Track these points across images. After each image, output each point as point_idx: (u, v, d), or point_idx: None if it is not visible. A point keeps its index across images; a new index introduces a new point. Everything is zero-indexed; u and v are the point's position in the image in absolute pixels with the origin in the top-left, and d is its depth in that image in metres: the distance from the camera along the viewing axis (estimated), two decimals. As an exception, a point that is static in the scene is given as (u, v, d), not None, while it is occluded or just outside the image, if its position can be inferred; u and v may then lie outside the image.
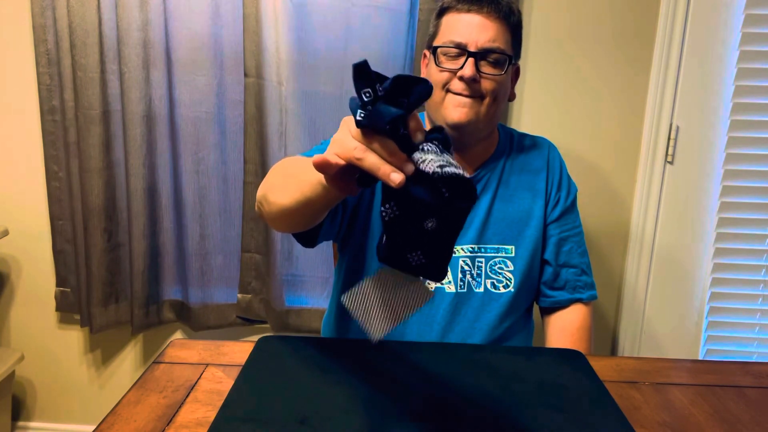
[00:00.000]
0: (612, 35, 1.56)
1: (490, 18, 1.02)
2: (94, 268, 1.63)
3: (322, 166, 0.59)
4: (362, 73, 0.54)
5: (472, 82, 1.01)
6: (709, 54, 1.53)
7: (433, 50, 1.06)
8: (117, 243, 1.66)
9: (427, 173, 0.54)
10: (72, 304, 1.73)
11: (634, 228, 1.65)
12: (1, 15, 1.60)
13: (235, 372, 0.84)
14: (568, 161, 1.20)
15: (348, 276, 1.12)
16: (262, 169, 1.59)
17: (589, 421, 0.74)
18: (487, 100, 1.03)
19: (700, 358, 1.65)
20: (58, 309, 1.74)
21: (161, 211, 1.65)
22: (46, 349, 1.80)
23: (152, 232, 1.65)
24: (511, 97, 1.12)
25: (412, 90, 0.55)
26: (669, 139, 1.58)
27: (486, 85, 1.02)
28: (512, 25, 1.05)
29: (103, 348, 1.81)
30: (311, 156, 0.73)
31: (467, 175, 0.54)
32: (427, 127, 0.82)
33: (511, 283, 1.08)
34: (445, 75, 1.03)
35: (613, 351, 1.74)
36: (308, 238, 0.98)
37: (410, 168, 0.55)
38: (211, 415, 0.74)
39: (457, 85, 1.01)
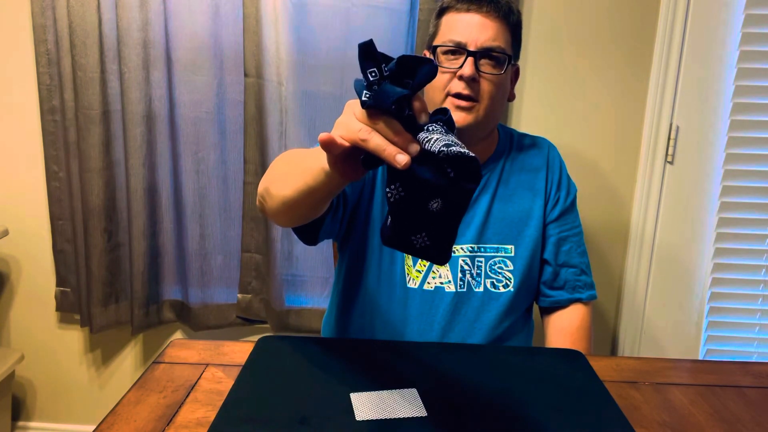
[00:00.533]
0: (612, 35, 1.56)
1: (489, 17, 1.02)
2: (94, 268, 1.63)
3: (328, 144, 0.58)
4: (368, 52, 0.54)
5: (471, 82, 1.01)
6: (709, 54, 1.53)
7: (433, 50, 1.06)
8: (117, 243, 1.66)
9: (433, 152, 0.54)
10: (72, 304, 1.73)
11: (634, 228, 1.65)
12: (1, 15, 1.60)
13: (235, 372, 0.84)
14: (567, 161, 1.20)
15: (348, 276, 1.12)
16: (262, 169, 1.59)
17: (589, 421, 0.74)
18: (486, 102, 1.03)
19: (700, 358, 1.65)
20: (58, 309, 1.74)
21: (161, 211, 1.65)
22: (46, 349, 1.80)
23: (152, 232, 1.65)
24: (511, 97, 1.12)
25: (417, 71, 0.55)
26: (669, 139, 1.58)
27: (485, 85, 1.02)
28: (512, 24, 1.05)
29: (103, 348, 1.81)
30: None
31: (473, 154, 0.54)
32: None
33: (510, 282, 1.08)
34: (446, 77, 1.03)
35: (613, 351, 1.74)
36: (310, 235, 0.98)
37: (415, 148, 0.55)
38: (211, 415, 0.74)
39: (456, 84, 1.02)
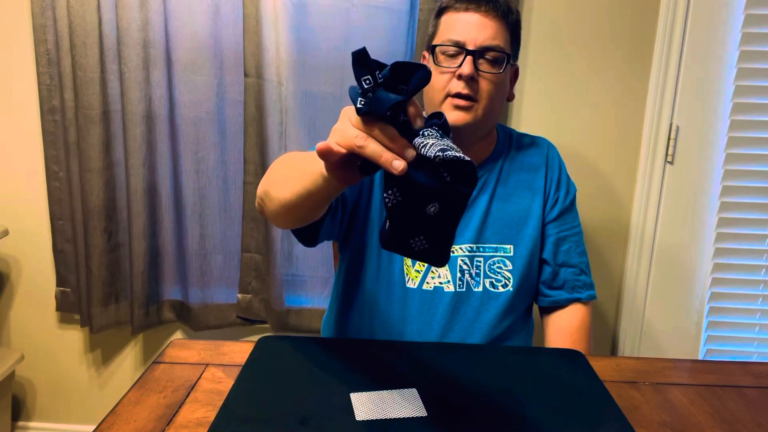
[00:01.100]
0: (612, 35, 1.56)
1: (488, 16, 1.02)
2: (94, 268, 1.63)
3: (325, 153, 0.60)
4: (362, 60, 0.55)
5: (470, 81, 1.01)
6: (709, 54, 1.53)
7: (432, 49, 1.06)
8: (117, 243, 1.66)
9: (429, 158, 0.55)
10: (72, 304, 1.73)
11: (634, 228, 1.65)
12: (1, 15, 1.60)
13: (235, 372, 0.84)
14: (567, 161, 1.20)
15: (347, 276, 1.12)
16: (262, 169, 1.59)
17: (589, 421, 0.74)
18: (485, 101, 1.03)
19: (700, 358, 1.65)
20: (58, 309, 1.74)
21: (161, 211, 1.65)
22: (46, 349, 1.80)
23: (152, 232, 1.65)
24: (510, 97, 1.12)
25: (411, 76, 0.56)
26: (669, 139, 1.58)
27: (484, 84, 1.02)
28: (511, 24, 1.05)
29: (103, 348, 1.81)
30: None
31: (468, 158, 0.55)
32: None
33: (510, 282, 1.08)
34: (445, 77, 1.03)
35: (613, 351, 1.74)
36: (309, 237, 0.98)
37: (411, 153, 0.56)
38: (211, 415, 0.74)
39: (456, 84, 1.02)
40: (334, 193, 0.73)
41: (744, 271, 1.62)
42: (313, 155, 0.69)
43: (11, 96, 1.65)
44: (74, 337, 1.80)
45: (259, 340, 0.92)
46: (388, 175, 0.56)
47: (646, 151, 1.60)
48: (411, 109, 0.57)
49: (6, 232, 1.62)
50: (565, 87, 1.59)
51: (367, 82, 0.55)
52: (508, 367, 0.87)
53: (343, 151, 0.58)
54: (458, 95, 1.02)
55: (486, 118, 1.05)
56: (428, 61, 1.09)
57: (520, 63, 1.16)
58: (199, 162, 1.63)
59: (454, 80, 1.02)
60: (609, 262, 1.69)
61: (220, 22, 1.55)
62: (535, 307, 1.20)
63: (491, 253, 1.08)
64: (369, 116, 0.56)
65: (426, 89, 1.09)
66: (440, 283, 1.06)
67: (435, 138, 0.57)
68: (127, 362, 1.82)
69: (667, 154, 1.59)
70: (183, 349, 0.92)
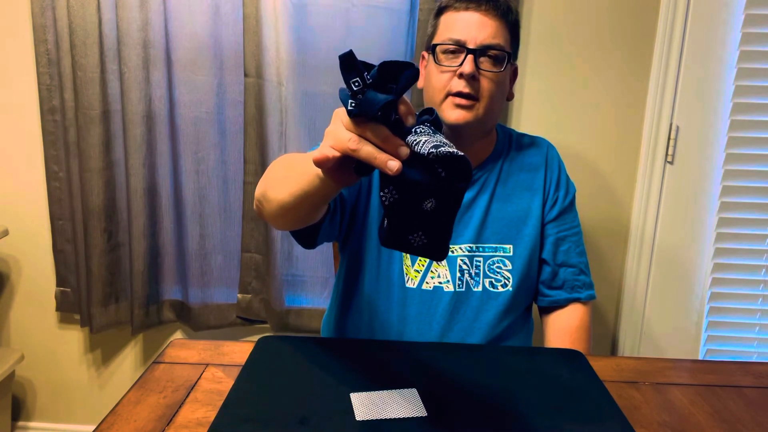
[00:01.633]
0: (612, 35, 1.56)
1: (488, 15, 1.02)
2: (94, 268, 1.63)
3: (322, 162, 0.60)
4: (349, 63, 0.55)
5: (471, 80, 1.01)
6: (709, 54, 1.53)
7: (432, 49, 1.06)
8: (117, 243, 1.66)
9: (423, 155, 0.55)
10: (72, 304, 1.73)
11: (634, 228, 1.65)
12: (1, 15, 1.60)
13: (235, 372, 0.84)
14: (567, 161, 1.20)
15: (347, 276, 1.12)
16: (262, 169, 1.59)
17: (589, 421, 0.74)
18: (486, 100, 1.03)
19: (700, 358, 1.65)
20: (58, 309, 1.74)
21: (161, 211, 1.65)
22: (46, 349, 1.80)
23: (152, 232, 1.65)
24: (510, 96, 1.13)
25: (400, 75, 0.56)
26: (669, 139, 1.58)
27: (485, 83, 1.02)
28: (510, 23, 1.06)
29: (103, 348, 1.81)
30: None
31: (461, 153, 0.55)
32: None
33: (509, 282, 1.08)
34: (446, 77, 1.03)
35: (613, 351, 1.74)
36: (308, 239, 0.98)
37: (405, 152, 0.56)
38: (211, 415, 0.74)
39: (457, 83, 1.02)
40: (331, 195, 0.73)
41: (744, 271, 1.62)
42: (310, 156, 0.70)
43: (11, 96, 1.65)
44: (74, 337, 1.80)
45: (259, 340, 0.92)
46: (384, 174, 0.57)
47: (646, 151, 1.60)
48: (402, 108, 0.57)
49: (6, 232, 1.62)
50: (565, 87, 1.59)
51: (356, 84, 0.55)
52: (507, 367, 0.87)
53: (338, 154, 0.59)
54: (459, 94, 1.02)
55: (487, 116, 1.05)
56: (428, 61, 1.09)
57: (520, 63, 1.16)
58: (199, 162, 1.63)
59: (455, 79, 1.02)
60: (609, 262, 1.69)
61: (220, 22, 1.55)
62: (535, 307, 1.20)
63: (491, 253, 1.08)
64: (360, 118, 0.56)
65: (426, 88, 1.10)
66: (440, 283, 1.06)
67: (427, 134, 0.57)
68: (127, 362, 1.82)
69: (667, 154, 1.59)
70: (183, 349, 0.92)
